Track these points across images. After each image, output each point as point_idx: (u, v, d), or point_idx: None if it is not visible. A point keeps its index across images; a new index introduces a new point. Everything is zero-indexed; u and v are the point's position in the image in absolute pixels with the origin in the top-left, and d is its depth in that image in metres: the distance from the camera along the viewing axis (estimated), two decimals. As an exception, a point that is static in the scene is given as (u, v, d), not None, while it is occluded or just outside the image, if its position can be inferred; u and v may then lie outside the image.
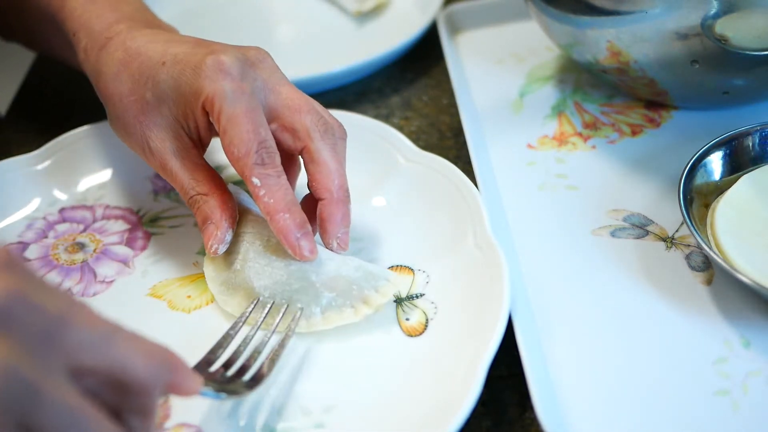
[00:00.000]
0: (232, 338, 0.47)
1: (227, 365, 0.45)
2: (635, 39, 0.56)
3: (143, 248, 0.57)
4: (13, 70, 0.85)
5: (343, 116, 0.58)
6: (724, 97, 0.60)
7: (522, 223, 0.56)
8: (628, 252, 0.53)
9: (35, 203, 0.60)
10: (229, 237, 0.51)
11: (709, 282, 0.50)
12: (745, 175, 0.54)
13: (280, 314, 0.49)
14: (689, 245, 0.53)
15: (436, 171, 0.57)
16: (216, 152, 0.61)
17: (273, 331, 0.47)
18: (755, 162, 0.55)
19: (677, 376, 0.45)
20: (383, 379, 0.47)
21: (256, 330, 0.47)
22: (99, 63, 0.55)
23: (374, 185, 0.59)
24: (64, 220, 0.59)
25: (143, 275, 0.55)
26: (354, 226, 0.55)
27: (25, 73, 0.80)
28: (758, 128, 0.55)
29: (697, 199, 0.53)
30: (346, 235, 0.51)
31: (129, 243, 0.57)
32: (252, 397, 0.46)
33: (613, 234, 0.55)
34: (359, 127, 0.60)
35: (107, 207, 0.60)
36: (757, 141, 0.55)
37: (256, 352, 0.46)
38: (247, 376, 0.44)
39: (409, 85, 0.73)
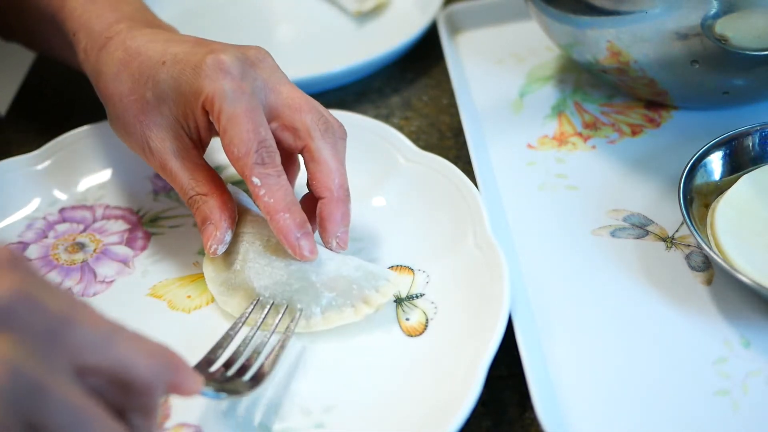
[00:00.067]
0: (232, 338, 0.47)
1: (227, 365, 0.45)
2: (635, 39, 0.56)
3: (143, 248, 0.57)
4: (13, 70, 0.85)
5: (343, 116, 0.58)
6: (724, 97, 0.60)
7: (522, 223, 0.56)
8: (628, 252, 0.53)
9: (35, 203, 0.60)
10: (228, 237, 0.51)
11: (709, 282, 0.50)
12: (745, 175, 0.54)
13: (280, 314, 0.49)
14: (689, 245, 0.53)
15: (436, 171, 0.57)
16: (216, 152, 0.61)
17: (273, 331, 0.47)
18: (755, 162, 0.55)
19: (677, 376, 0.45)
20: (383, 379, 0.47)
21: (256, 330, 0.47)
22: (99, 63, 0.55)
23: (374, 185, 0.59)
24: (64, 220, 0.59)
25: (143, 275, 0.55)
26: (354, 226, 0.55)
27: (25, 73, 0.80)
28: (758, 128, 0.55)
29: (697, 199, 0.53)
30: (345, 234, 0.51)
31: (129, 243, 0.57)
32: (252, 396, 0.46)
33: (613, 234, 0.55)
34: (359, 127, 0.60)
35: (107, 207, 0.60)
36: (757, 141, 0.55)
37: (256, 353, 0.46)
38: (248, 376, 0.44)
39: (409, 85, 0.73)
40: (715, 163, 0.54)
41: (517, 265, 0.53)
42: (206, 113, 0.50)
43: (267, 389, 0.47)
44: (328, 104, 0.55)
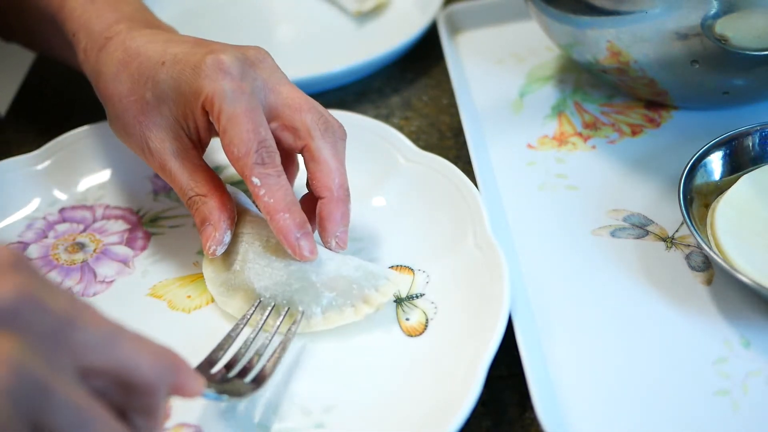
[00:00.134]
0: (234, 340, 0.47)
1: (228, 367, 0.45)
2: (635, 39, 0.56)
3: (143, 248, 0.57)
4: (13, 70, 0.85)
5: (343, 116, 0.58)
6: (724, 97, 0.60)
7: (522, 223, 0.56)
8: (628, 252, 0.53)
9: (35, 203, 0.60)
10: (227, 238, 0.51)
11: (709, 282, 0.50)
12: (745, 175, 0.54)
13: (282, 316, 0.49)
14: (689, 245, 0.53)
15: (436, 171, 0.57)
16: (216, 152, 0.61)
17: (274, 333, 0.48)
18: (755, 162, 0.55)
19: (677, 376, 0.45)
20: (383, 379, 0.47)
21: (258, 332, 0.47)
22: (98, 63, 0.55)
23: (374, 185, 0.59)
24: (64, 220, 0.59)
25: (143, 275, 0.55)
26: (354, 226, 0.55)
27: (25, 73, 0.80)
28: (758, 128, 0.55)
29: (697, 199, 0.53)
30: (344, 234, 0.51)
31: (129, 243, 0.57)
32: (252, 397, 0.46)
33: (613, 234, 0.55)
34: (359, 127, 0.60)
35: (107, 207, 0.60)
36: (757, 141, 0.55)
37: (258, 354, 0.46)
38: (249, 378, 0.44)
39: (409, 85, 0.73)
40: (715, 163, 0.54)
41: (517, 265, 0.53)
42: (206, 113, 0.50)
43: (267, 389, 0.47)
44: (328, 104, 0.55)
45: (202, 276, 0.53)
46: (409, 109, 0.70)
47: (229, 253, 0.52)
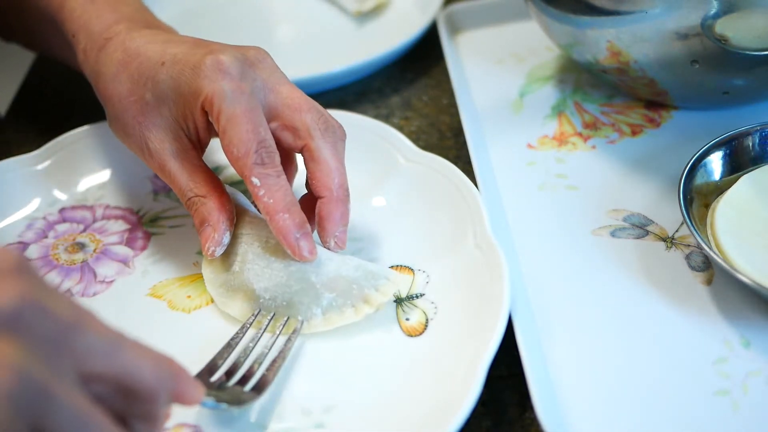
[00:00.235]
0: (233, 348, 0.47)
1: (228, 375, 0.45)
2: (635, 39, 0.56)
3: (143, 248, 0.57)
4: (13, 70, 0.85)
5: (343, 116, 0.58)
6: (724, 97, 0.60)
7: (522, 223, 0.56)
8: (628, 252, 0.53)
9: (35, 203, 0.60)
10: (226, 239, 0.51)
11: (709, 282, 0.50)
12: (745, 175, 0.54)
13: (281, 325, 0.49)
14: (689, 245, 0.53)
15: (436, 171, 0.57)
16: (215, 152, 0.61)
17: (274, 342, 0.48)
18: (755, 162, 0.55)
19: (677, 376, 0.45)
20: (383, 379, 0.47)
21: (258, 340, 0.47)
22: (98, 64, 0.55)
23: (374, 185, 0.59)
24: (64, 220, 0.59)
25: (143, 275, 0.55)
26: (354, 226, 0.55)
27: (25, 73, 0.80)
28: (758, 128, 0.55)
29: (697, 199, 0.53)
30: (343, 234, 0.51)
31: (129, 243, 0.57)
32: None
33: (613, 234, 0.55)
34: (359, 127, 0.60)
35: (107, 207, 0.60)
36: (757, 141, 0.55)
37: (257, 363, 0.46)
38: (248, 387, 0.45)
39: (409, 85, 0.73)
40: (715, 163, 0.54)
41: (517, 265, 0.53)
42: (205, 114, 0.50)
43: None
44: (328, 104, 0.55)
45: (202, 276, 0.53)
46: (409, 109, 0.70)
47: (228, 254, 0.52)
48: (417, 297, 0.51)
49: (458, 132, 0.66)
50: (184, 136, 0.52)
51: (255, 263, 0.51)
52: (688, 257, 0.52)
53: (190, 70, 0.50)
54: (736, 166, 0.55)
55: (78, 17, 0.57)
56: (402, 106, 0.70)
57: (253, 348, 0.47)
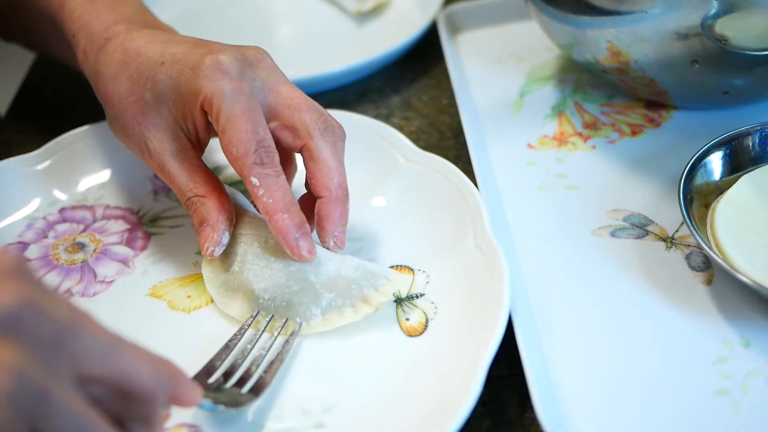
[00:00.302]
0: (231, 350, 0.47)
1: (226, 377, 0.45)
2: (635, 39, 0.56)
3: (143, 248, 0.57)
4: (13, 70, 0.85)
5: (343, 116, 0.58)
6: (724, 97, 0.60)
7: (522, 223, 0.56)
8: (628, 252, 0.53)
9: (35, 203, 0.60)
10: (225, 239, 0.51)
11: (709, 282, 0.50)
12: (745, 175, 0.54)
13: (280, 327, 0.49)
14: (689, 245, 0.53)
15: (436, 171, 0.57)
16: (215, 152, 0.61)
17: (272, 344, 0.48)
18: (755, 162, 0.55)
19: (677, 376, 0.45)
20: (383, 379, 0.47)
21: (256, 342, 0.47)
22: (98, 64, 0.55)
23: (374, 185, 0.59)
24: (64, 220, 0.59)
25: (143, 275, 0.55)
26: (354, 226, 0.55)
27: (25, 73, 0.80)
28: (758, 128, 0.55)
29: (697, 199, 0.53)
30: (342, 234, 0.51)
31: (129, 243, 0.57)
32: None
33: (613, 234, 0.55)
34: (359, 127, 0.60)
35: (107, 207, 0.60)
36: (757, 141, 0.55)
37: (255, 365, 0.46)
38: (246, 388, 0.45)
39: (409, 85, 0.73)
40: (715, 163, 0.54)
41: (517, 265, 0.53)
42: (205, 114, 0.50)
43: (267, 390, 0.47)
44: (328, 104, 0.55)
45: (202, 276, 0.53)
46: (409, 109, 0.70)
47: (227, 254, 0.52)
48: (417, 297, 0.51)
49: (458, 132, 0.66)
50: (184, 136, 0.52)
51: (254, 263, 0.51)
52: (688, 257, 0.52)
53: (189, 70, 0.50)
54: (736, 166, 0.55)
55: (78, 17, 0.57)
56: (402, 106, 0.70)
57: (251, 350, 0.47)
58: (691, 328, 0.48)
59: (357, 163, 0.56)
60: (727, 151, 0.55)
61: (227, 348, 0.47)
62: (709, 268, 0.51)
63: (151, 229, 0.58)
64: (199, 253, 0.56)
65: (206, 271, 0.53)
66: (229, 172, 0.62)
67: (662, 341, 0.47)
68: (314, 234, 0.52)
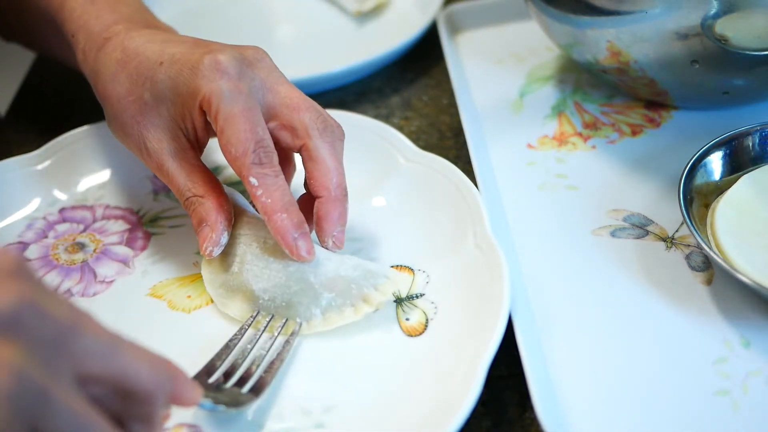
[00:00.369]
0: (231, 350, 0.47)
1: (226, 377, 0.45)
2: (635, 39, 0.56)
3: (143, 248, 0.57)
4: (13, 70, 0.85)
5: (343, 116, 0.58)
6: (724, 97, 0.60)
7: (522, 223, 0.56)
8: (628, 252, 0.53)
9: (35, 203, 0.60)
10: (224, 240, 0.51)
11: (709, 282, 0.50)
12: (745, 175, 0.54)
13: (280, 327, 0.49)
14: (689, 245, 0.53)
15: (436, 171, 0.57)
16: (215, 152, 0.61)
17: (272, 344, 0.48)
18: (755, 162, 0.55)
19: (677, 376, 0.45)
20: (383, 379, 0.47)
21: (256, 342, 0.47)
22: (97, 64, 0.55)
23: (374, 185, 0.59)
24: (64, 220, 0.59)
25: (143, 275, 0.55)
26: (353, 226, 0.55)
27: (25, 73, 0.80)
28: (758, 128, 0.55)
29: (697, 199, 0.53)
30: (341, 234, 0.51)
31: (129, 243, 0.57)
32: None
33: (613, 234, 0.55)
34: (359, 127, 0.60)
35: (107, 207, 0.60)
36: (757, 141, 0.55)
37: (255, 365, 0.46)
38: (246, 388, 0.45)
39: (409, 85, 0.73)
40: (715, 163, 0.54)
41: (517, 265, 0.53)
42: (203, 113, 0.50)
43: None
44: (328, 104, 0.55)
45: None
46: (409, 109, 0.70)
47: (227, 255, 0.52)
48: (417, 297, 0.51)
49: (458, 132, 0.66)
50: (183, 136, 0.52)
51: (254, 264, 0.51)
52: (688, 257, 0.52)
53: (188, 69, 0.50)
54: (736, 166, 0.55)
55: (78, 17, 0.57)
56: (402, 106, 0.70)
57: (251, 350, 0.47)
58: (691, 328, 0.48)
59: (357, 163, 0.56)
60: (727, 151, 0.55)
61: (227, 348, 0.47)
62: (709, 268, 0.51)
63: (151, 229, 0.58)
64: (198, 253, 0.56)
65: (206, 271, 0.53)
66: (229, 172, 0.62)
67: (662, 341, 0.47)
68: (313, 234, 0.52)
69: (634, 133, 0.63)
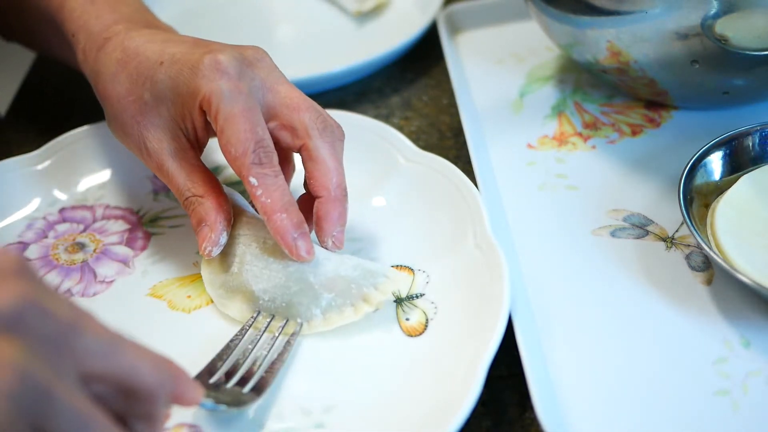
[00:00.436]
0: (233, 350, 0.47)
1: (227, 377, 0.45)
2: (635, 39, 0.56)
3: (143, 248, 0.57)
4: (13, 70, 0.85)
5: (343, 116, 0.58)
6: (724, 97, 0.60)
7: (522, 223, 0.56)
8: (628, 252, 0.53)
9: (35, 203, 0.60)
10: (223, 240, 0.51)
11: (709, 282, 0.50)
12: (745, 175, 0.54)
13: (280, 328, 0.49)
14: (689, 245, 0.53)
15: (436, 171, 0.57)
16: (214, 152, 0.61)
17: (273, 344, 0.48)
18: (755, 162, 0.55)
19: (677, 376, 0.45)
20: (383, 379, 0.47)
21: (257, 343, 0.47)
22: (97, 63, 0.55)
23: (374, 185, 0.59)
24: (64, 220, 0.59)
25: (143, 275, 0.55)
26: (353, 226, 0.55)
27: (25, 73, 0.80)
28: (758, 128, 0.55)
29: (697, 199, 0.53)
30: (341, 234, 0.51)
31: (129, 243, 0.57)
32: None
33: (613, 234, 0.55)
34: (359, 127, 0.60)
35: (107, 207, 0.60)
36: (757, 141, 0.55)
37: (256, 365, 0.46)
38: (247, 388, 0.45)
39: (409, 85, 0.73)
40: (715, 163, 0.54)
41: (517, 265, 0.53)
42: (203, 113, 0.50)
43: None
44: (328, 104, 0.55)
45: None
46: (409, 109, 0.70)
47: (226, 255, 0.52)
48: (417, 297, 0.51)
49: (458, 132, 0.66)
50: (183, 136, 0.52)
51: (253, 264, 0.51)
52: (688, 257, 0.52)
53: (188, 69, 0.50)
54: (736, 166, 0.55)
55: (78, 17, 0.57)
56: (402, 106, 0.70)
57: (252, 350, 0.47)
58: (691, 328, 0.48)
59: (357, 163, 0.56)
60: (727, 151, 0.55)
61: (228, 349, 0.47)
62: (709, 268, 0.51)
63: (151, 229, 0.58)
64: (198, 253, 0.56)
65: (205, 272, 0.53)
66: (229, 172, 0.62)
67: (662, 341, 0.47)
68: (313, 234, 0.52)
69: (634, 133, 0.63)
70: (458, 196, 0.55)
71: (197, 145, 0.53)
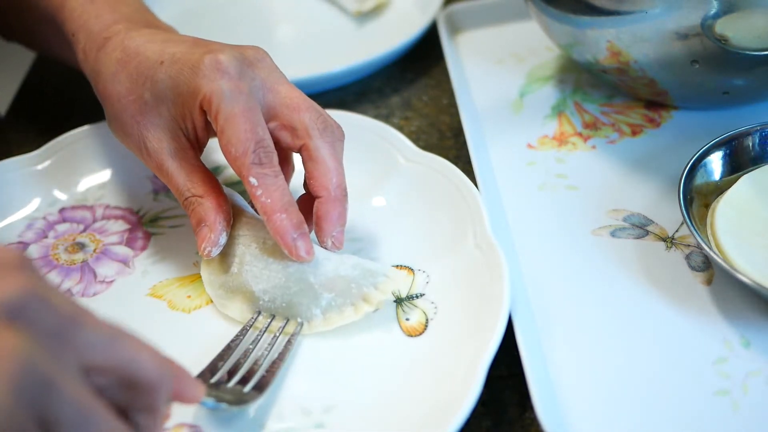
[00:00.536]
0: (233, 351, 0.47)
1: (229, 375, 0.45)
2: (635, 39, 0.56)
3: (143, 248, 0.57)
4: (13, 70, 0.85)
5: (343, 116, 0.58)
6: (724, 97, 0.60)
7: (522, 223, 0.56)
8: (628, 252, 0.53)
9: (35, 203, 0.60)
10: (223, 240, 0.51)
11: (709, 282, 0.50)
12: (745, 175, 0.54)
13: (281, 328, 0.49)
14: (689, 245, 0.53)
15: (436, 171, 0.57)
16: (214, 152, 0.61)
17: (273, 344, 0.48)
18: (755, 162, 0.55)
19: (677, 376, 0.45)
20: (383, 379, 0.47)
21: (257, 343, 0.48)
22: (97, 63, 0.55)
23: (374, 185, 0.59)
24: (64, 220, 0.59)
25: (143, 275, 0.55)
26: (353, 226, 0.55)
27: (25, 73, 0.80)
28: (758, 128, 0.55)
29: (697, 199, 0.53)
30: (341, 234, 0.51)
31: (129, 243, 0.57)
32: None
33: (613, 234, 0.55)
34: (359, 127, 0.60)
35: (107, 207, 0.60)
36: (757, 141, 0.55)
37: (257, 364, 0.46)
38: (248, 387, 0.45)
39: (409, 85, 0.73)
40: (715, 163, 0.54)
41: (517, 265, 0.53)
42: (204, 113, 0.50)
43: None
44: (328, 104, 0.55)
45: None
46: (409, 109, 0.70)
47: (226, 255, 0.52)
48: (417, 297, 0.51)
49: (458, 132, 0.66)
50: (183, 136, 0.52)
51: (253, 265, 0.51)
52: (688, 257, 0.52)
53: (188, 69, 0.50)
54: (736, 166, 0.55)
55: (78, 17, 0.57)
56: (402, 106, 0.70)
57: (253, 349, 0.47)
58: (691, 328, 0.48)
59: (357, 163, 0.56)
60: (727, 151, 0.55)
61: (229, 348, 0.47)
62: (709, 268, 0.51)
63: (151, 229, 0.58)
64: (198, 253, 0.56)
65: (205, 272, 0.53)
66: (229, 172, 0.62)
67: (662, 341, 0.47)
68: (313, 234, 0.52)
69: (634, 133, 0.63)
70: (458, 196, 0.55)
71: (197, 145, 0.53)
